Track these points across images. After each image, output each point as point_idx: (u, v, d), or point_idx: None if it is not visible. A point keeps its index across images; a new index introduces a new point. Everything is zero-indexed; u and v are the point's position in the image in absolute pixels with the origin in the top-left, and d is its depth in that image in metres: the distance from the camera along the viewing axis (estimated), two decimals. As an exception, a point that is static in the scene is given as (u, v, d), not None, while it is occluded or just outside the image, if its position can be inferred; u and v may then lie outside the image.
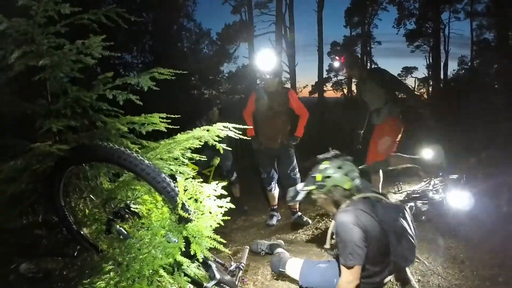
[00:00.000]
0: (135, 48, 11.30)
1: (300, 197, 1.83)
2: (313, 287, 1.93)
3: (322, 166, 1.74)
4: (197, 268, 1.31)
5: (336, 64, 3.30)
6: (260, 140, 3.27)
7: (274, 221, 3.50)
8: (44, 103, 1.26)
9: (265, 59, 3.04)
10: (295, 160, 3.30)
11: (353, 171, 1.70)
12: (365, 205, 1.65)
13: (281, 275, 2.13)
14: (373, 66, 25.40)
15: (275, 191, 3.47)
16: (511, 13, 14.05)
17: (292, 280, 2.22)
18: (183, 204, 1.21)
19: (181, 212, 1.21)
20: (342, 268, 1.63)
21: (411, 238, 1.63)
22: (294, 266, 2.03)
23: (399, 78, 3.70)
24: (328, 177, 1.68)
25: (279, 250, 2.36)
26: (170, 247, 1.20)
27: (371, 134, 3.43)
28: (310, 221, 3.34)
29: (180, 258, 1.19)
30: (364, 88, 3.30)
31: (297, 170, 3.31)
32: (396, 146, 3.22)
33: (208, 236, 1.28)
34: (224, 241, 1.44)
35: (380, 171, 3.29)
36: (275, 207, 3.56)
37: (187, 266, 1.26)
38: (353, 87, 25.51)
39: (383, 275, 1.69)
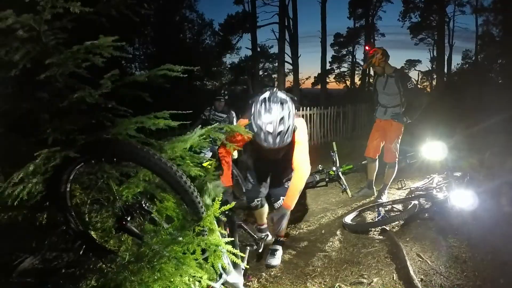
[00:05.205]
0: (137, 40, 11.21)
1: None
2: None
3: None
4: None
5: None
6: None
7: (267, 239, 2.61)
8: (49, 102, 1.23)
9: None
10: None
11: None
12: None
13: None
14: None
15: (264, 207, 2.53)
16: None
17: (297, 277, 2.25)
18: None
19: (207, 224, 1.19)
20: None
21: None
22: None
23: (421, 89, 4.11)
24: None
25: None
26: (185, 258, 1.17)
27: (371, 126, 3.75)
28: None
29: (195, 270, 1.17)
30: (384, 84, 3.47)
31: None
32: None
33: (227, 251, 1.27)
34: (243, 255, 1.44)
35: (377, 162, 3.79)
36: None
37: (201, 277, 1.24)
38: (356, 79, 25.44)
39: None
